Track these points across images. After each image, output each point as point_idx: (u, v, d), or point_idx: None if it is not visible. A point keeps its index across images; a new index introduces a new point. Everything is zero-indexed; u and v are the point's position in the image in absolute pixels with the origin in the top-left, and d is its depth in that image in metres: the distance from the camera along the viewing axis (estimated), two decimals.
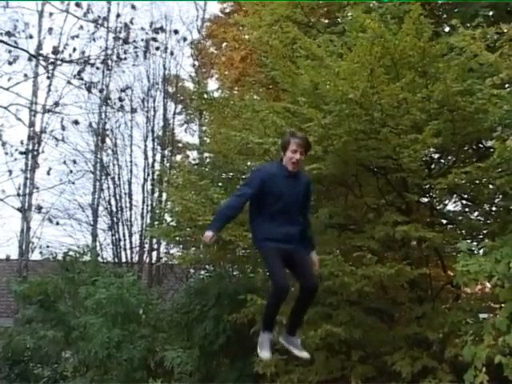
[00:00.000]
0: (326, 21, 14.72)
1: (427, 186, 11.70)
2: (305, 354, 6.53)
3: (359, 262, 10.61)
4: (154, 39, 14.19)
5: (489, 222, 12.16)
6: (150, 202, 24.73)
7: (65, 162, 18.95)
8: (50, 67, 14.43)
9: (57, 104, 16.34)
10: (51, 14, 15.09)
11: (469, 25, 10.92)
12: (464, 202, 12.95)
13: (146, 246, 24.67)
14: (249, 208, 6.43)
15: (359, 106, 10.30)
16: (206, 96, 13.69)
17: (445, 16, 12.87)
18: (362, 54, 10.09)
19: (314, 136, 10.48)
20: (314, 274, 6.53)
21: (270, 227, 6.19)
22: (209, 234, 5.99)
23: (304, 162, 10.48)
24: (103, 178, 25.31)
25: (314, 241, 6.68)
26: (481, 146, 12.30)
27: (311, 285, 6.23)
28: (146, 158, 25.11)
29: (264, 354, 6.33)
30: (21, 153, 15.43)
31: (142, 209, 24.73)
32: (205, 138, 19.15)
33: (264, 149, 11.24)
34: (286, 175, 6.18)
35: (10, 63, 13.66)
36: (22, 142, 15.35)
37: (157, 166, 24.67)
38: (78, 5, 13.07)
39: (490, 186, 11.65)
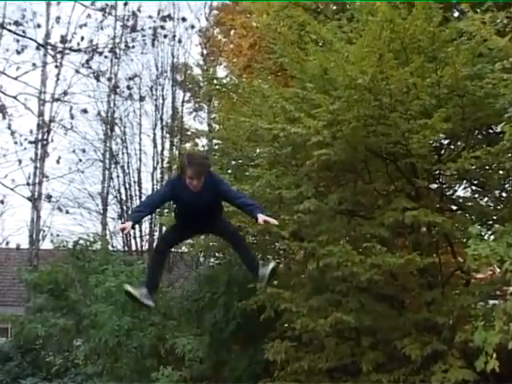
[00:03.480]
0: (335, 7, 14.65)
1: (437, 172, 11.67)
2: (271, 264, 6.74)
3: (369, 251, 10.60)
4: (162, 27, 14.19)
5: (499, 207, 12.11)
6: None
7: (74, 151, 18.97)
8: (59, 56, 14.50)
9: (65, 93, 16.40)
10: (59, 3, 15.15)
11: (478, 9, 10.85)
12: (473, 187, 12.88)
13: (156, 234, 24.69)
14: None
15: (368, 91, 10.27)
16: (215, 82, 13.67)
17: (454, 0, 12.78)
18: (371, 38, 10.06)
19: (322, 121, 10.48)
20: (229, 225, 7.15)
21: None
22: (125, 224, 6.37)
23: (313, 148, 10.54)
24: (112, 166, 25.31)
25: (255, 204, 6.97)
26: (490, 131, 12.24)
27: (230, 233, 6.85)
28: (155, 146, 25.07)
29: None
30: (30, 142, 15.49)
31: None
32: (214, 125, 19.13)
33: (273, 134, 11.23)
34: (188, 191, 6.48)
35: (19, 52, 13.70)
36: (31, 131, 15.43)
37: (166, 154, 24.68)
38: None
39: (500, 172, 11.61)
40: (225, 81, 14.70)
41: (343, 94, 10.36)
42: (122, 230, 6.34)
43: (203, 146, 19.48)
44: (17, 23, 13.19)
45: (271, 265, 6.61)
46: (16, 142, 14.64)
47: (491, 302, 11.29)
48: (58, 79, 20.31)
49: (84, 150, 20.59)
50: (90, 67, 13.99)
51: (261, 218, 6.44)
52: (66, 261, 15.95)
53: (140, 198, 24.73)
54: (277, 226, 11.13)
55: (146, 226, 24.70)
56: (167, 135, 25.53)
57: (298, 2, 13.14)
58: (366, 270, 10.44)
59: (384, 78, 10.09)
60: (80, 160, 19.98)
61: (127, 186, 24.89)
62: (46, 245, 22.73)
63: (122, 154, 25.28)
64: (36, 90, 17.19)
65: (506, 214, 10.96)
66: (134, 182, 24.93)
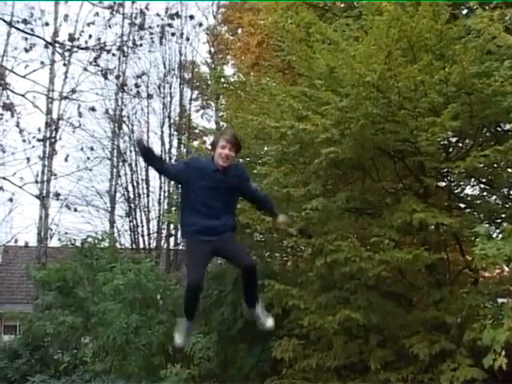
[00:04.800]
0: (342, 5, 14.63)
1: (445, 170, 11.64)
2: (269, 322, 6.49)
3: (377, 247, 10.59)
4: (170, 25, 14.23)
5: (507, 205, 12.08)
6: (167, 188, 24.76)
7: (82, 149, 19.07)
8: (67, 54, 14.55)
9: (73, 91, 16.44)
10: (67, 1, 15.17)
11: (487, 7, 10.82)
12: (482, 185, 12.85)
13: (164, 231, 24.73)
14: (180, 200, 6.67)
15: (376, 89, 10.24)
16: (222, 80, 13.67)
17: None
18: (378, 36, 10.03)
19: (330, 119, 10.47)
20: (248, 255, 6.76)
21: (195, 219, 6.32)
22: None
23: (321, 146, 10.53)
24: (120, 164, 25.36)
25: (273, 204, 6.82)
26: (499, 128, 12.20)
27: (247, 266, 6.37)
28: (162, 144, 25.10)
29: (176, 337, 6.78)
30: (38, 140, 15.54)
31: (159, 195, 24.77)
32: (221, 123, 19.13)
33: (281, 133, 11.22)
34: (213, 169, 6.23)
35: (27, 51, 13.75)
36: (39, 129, 15.49)
37: (174, 152, 24.72)
38: None
39: (509, 170, 11.59)
40: (232, 79, 14.70)
41: (351, 92, 10.35)
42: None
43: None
44: (25, 21, 13.23)
45: (269, 322, 6.47)
46: (24, 140, 14.71)
47: (499, 300, 11.28)
48: (66, 77, 20.46)
49: (92, 148, 20.68)
50: (98, 65, 14.05)
51: (281, 218, 6.44)
52: (74, 258, 15.97)
53: (148, 195, 24.83)
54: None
55: (153, 224, 24.78)
56: (175, 133, 25.56)
57: (306, 0, 13.10)
58: (374, 265, 10.44)
59: (392, 75, 10.06)
60: (88, 158, 20.11)
61: (135, 183, 24.95)
62: (54, 242, 22.79)
63: (130, 151, 25.33)
64: (44, 88, 17.29)
65: None
66: (142, 179, 24.98)
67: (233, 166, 6.40)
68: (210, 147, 6.60)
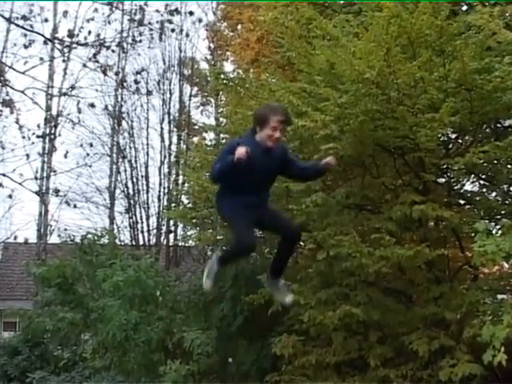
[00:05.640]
0: (342, 1, 14.61)
1: (444, 166, 11.63)
2: (288, 298, 6.45)
3: (377, 243, 10.58)
4: (169, 21, 14.16)
5: (507, 201, 12.08)
6: (166, 185, 24.80)
7: (81, 145, 19.03)
8: (66, 50, 14.50)
9: (73, 87, 16.42)
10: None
11: (487, 3, 10.80)
12: (482, 181, 12.85)
13: (163, 228, 24.74)
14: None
15: (375, 86, 10.22)
16: (222, 76, 13.65)
17: None
18: (378, 33, 10.02)
19: (330, 116, 10.45)
20: (291, 222, 6.66)
21: (237, 197, 5.96)
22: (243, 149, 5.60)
23: (320, 142, 10.53)
24: (120, 160, 25.38)
25: (318, 164, 6.49)
26: (499, 125, 12.20)
27: (291, 231, 6.15)
28: (162, 140, 25.13)
29: (206, 283, 6.37)
30: (38, 136, 15.52)
31: (159, 191, 24.80)
32: (221, 119, 19.12)
33: None
34: (260, 151, 5.82)
35: (26, 47, 13.72)
36: (38, 126, 15.44)
37: (173, 149, 24.71)
38: None
39: (508, 166, 11.58)
40: (232, 75, 14.67)
41: (351, 88, 10.33)
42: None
43: (210, 140, 19.48)
44: (24, 18, 13.20)
45: (289, 298, 6.45)
46: (24, 137, 14.70)
47: (499, 296, 11.28)
48: (65, 73, 20.43)
49: (91, 145, 20.67)
50: (98, 61, 14.00)
51: (326, 161, 6.05)
52: (74, 255, 15.98)
53: (147, 192, 24.82)
54: None
55: (153, 220, 24.79)
56: (174, 129, 25.57)
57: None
58: (374, 262, 10.44)
59: (391, 72, 10.04)
60: (87, 154, 20.05)
61: (134, 180, 24.98)
62: (53, 239, 22.83)
63: (130, 148, 25.39)
64: (43, 85, 17.21)
65: None
66: (142, 176, 25.01)
67: (279, 145, 6.05)
68: (254, 120, 6.13)
